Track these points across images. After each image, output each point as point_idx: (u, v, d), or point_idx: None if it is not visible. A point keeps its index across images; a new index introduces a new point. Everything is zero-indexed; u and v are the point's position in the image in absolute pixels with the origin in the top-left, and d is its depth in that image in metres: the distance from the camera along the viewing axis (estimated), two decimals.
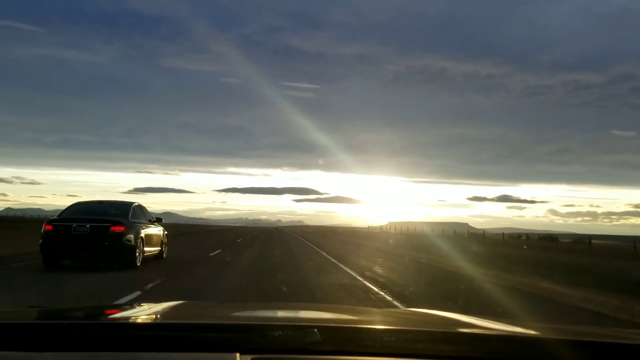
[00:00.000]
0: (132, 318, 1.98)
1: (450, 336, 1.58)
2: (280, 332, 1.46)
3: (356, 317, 2.47)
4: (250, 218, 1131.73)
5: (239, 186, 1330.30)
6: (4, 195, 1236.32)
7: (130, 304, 5.11)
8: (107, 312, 2.18)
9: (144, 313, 2.16)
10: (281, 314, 2.35)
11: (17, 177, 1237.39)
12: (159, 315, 2.06)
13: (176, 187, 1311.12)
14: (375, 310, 4.55)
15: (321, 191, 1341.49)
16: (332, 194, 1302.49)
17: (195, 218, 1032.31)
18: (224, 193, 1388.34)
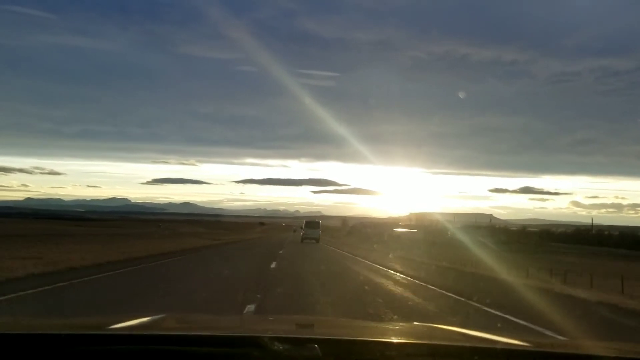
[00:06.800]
0: (126, 330, 1.91)
1: (452, 350, 1.59)
2: (280, 346, 1.45)
3: (357, 331, 2.40)
4: (268, 209, 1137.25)
5: (256, 177, 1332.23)
6: (25, 185, 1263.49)
7: (121, 315, 4.24)
8: (100, 324, 2.11)
9: (136, 325, 2.06)
10: (280, 326, 2.37)
11: (37, 168, 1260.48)
12: (153, 328, 2.01)
13: (194, 178, 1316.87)
14: (377, 323, 4.63)
15: (340, 182, 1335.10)
16: (352, 186, 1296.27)
17: (214, 209, 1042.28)
18: (241, 184, 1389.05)
